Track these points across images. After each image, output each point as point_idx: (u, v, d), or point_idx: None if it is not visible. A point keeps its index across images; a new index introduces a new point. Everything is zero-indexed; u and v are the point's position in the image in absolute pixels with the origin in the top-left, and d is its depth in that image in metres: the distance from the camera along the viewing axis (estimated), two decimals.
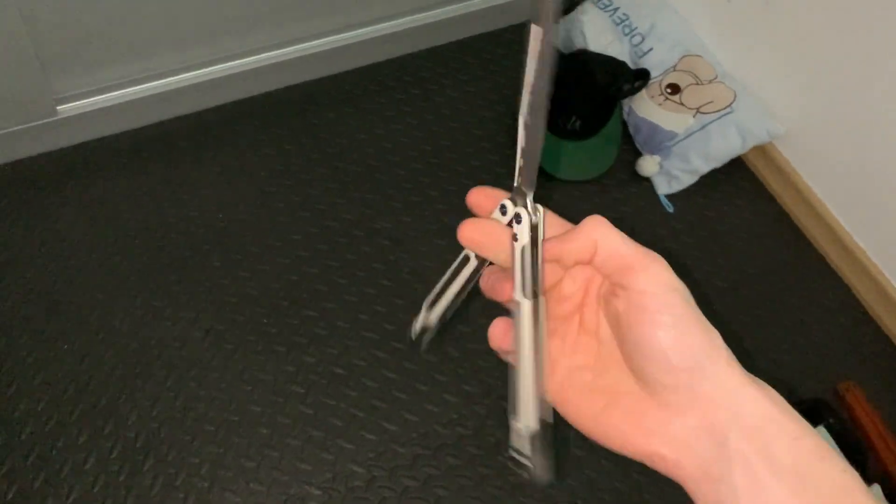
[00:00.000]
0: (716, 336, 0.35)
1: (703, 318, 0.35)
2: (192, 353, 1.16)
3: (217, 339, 1.18)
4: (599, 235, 0.37)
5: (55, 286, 1.18)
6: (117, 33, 1.22)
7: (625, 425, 0.36)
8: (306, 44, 1.42)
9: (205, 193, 1.32)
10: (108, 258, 1.22)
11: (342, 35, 1.44)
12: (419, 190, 1.37)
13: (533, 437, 0.38)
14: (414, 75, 1.53)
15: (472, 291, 0.42)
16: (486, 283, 0.40)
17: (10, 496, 1.01)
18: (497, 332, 0.39)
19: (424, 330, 0.42)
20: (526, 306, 0.37)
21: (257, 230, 1.29)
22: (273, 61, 1.40)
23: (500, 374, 1.20)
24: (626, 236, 0.37)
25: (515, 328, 0.37)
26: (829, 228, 1.36)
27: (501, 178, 1.40)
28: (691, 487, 0.34)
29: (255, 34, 1.36)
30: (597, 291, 0.39)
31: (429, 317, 0.42)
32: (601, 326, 0.38)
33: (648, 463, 0.36)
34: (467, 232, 0.38)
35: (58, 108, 1.24)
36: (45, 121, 1.23)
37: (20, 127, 1.22)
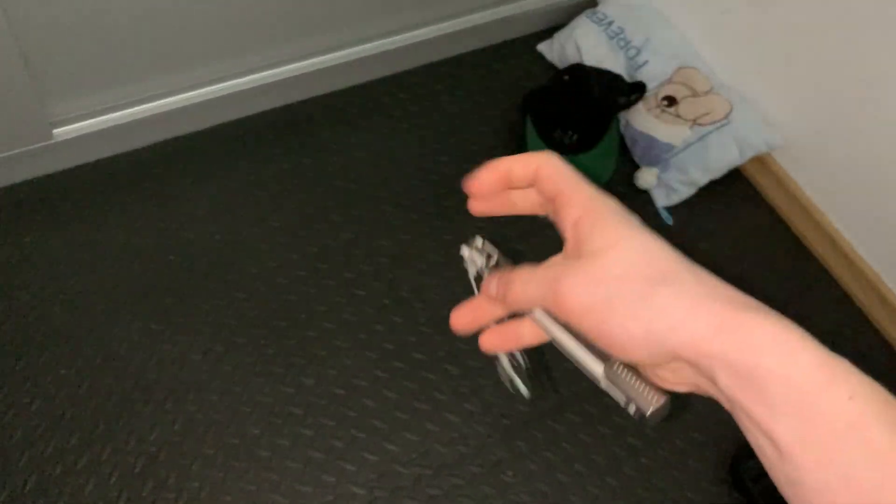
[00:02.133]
0: (661, 254, 0.34)
1: (640, 287, 0.33)
2: (190, 376, 1.15)
3: (215, 361, 1.17)
4: (542, 161, 0.38)
5: (52, 311, 1.17)
6: (112, 57, 1.22)
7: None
8: (302, 62, 1.42)
9: (201, 215, 1.31)
10: (106, 282, 1.22)
11: (337, 53, 1.44)
12: (417, 207, 1.37)
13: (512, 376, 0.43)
14: (410, 92, 1.53)
15: None
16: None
17: None
18: (495, 341, 0.41)
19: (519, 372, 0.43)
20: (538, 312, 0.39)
21: (255, 251, 1.29)
22: (268, 81, 1.39)
23: (500, 391, 1.19)
24: (570, 171, 0.37)
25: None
26: (829, 237, 1.35)
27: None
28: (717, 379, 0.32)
29: (249, 54, 1.36)
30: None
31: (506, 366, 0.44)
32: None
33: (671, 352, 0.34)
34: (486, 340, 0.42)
35: (53, 131, 1.24)
36: (41, 144, 1.23)
37: (15, 151, 1.22)
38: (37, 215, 1.27)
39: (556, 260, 0.38)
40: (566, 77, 1.44)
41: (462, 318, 0.41)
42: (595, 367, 0.36)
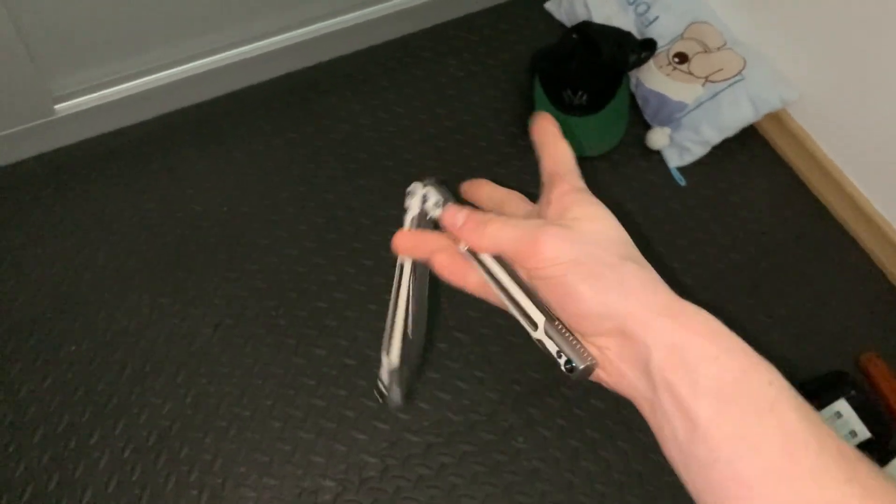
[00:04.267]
0: (629, 241, 0.37)
1: (609, 257, 0.36)
2: (201, 349, 1.15)
3: (226, 333, 1.17)
4: (558, 138, 0.43)
5: (61, 287, 1.18)
6: (111, 28, 1.20)
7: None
8: (304, 29, 1.40)
9: (208, 186, 1.31)
10: (114, 256, 1.21)
11: (340, 18, 1.42)
12: (426, 175, 1.35)
13: (392, 372, 0.44)
14: (416, 56, 1.50)
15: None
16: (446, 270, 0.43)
17: (25, 498, 1.02)
18: (444, 262, 0.43)
19: (392, 376, 0.44)
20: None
21: (263, 222, 1.28)
22: (271, 49, 1.37)
23: (511, 358, 1.18)
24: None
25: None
26: (848, 195, 1.32)
27: (509, 158, 1.38)
28: (640, 410, 0.36)
29: (252, 22, 1.33)
30: None
31: (391, 361, 0.45)
32: None
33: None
34: (400, 241, 0.44)
35: (55, 107, 1.23)
36: (44, 121, 1.22)
37: (18, 128, 1.21)
38: (42, 192, 1.27)
39: (532, 218, 0.41)
40: (575, 36, 1.41)
41: (406, 242, 0.44)
42: (536, 316, 0.38)
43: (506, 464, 1.11)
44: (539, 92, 1.37)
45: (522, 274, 0.39)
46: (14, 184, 1.27)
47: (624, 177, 1.38)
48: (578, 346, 0.37)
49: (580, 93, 1.34)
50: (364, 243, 1.26)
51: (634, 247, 0.37)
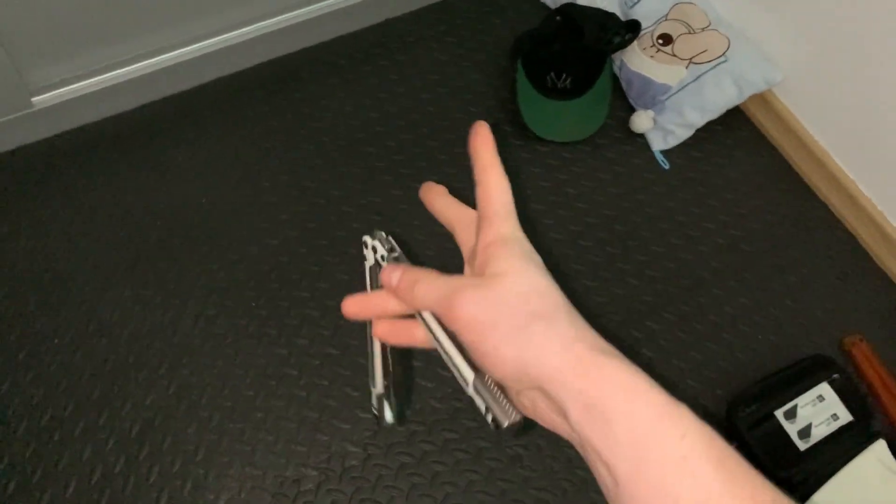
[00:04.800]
0: (548, 292, 0.37)
1: (523, 317, 0.36)
2: (183, 341, 1.15)
3: (208, 325, 1.17)
4: (497, 176, 0.42)
5: (43, 280, 1.18)
6: (88, 19, 1.19)
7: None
8: (284, 15, 1.39)
9: (189, 177, 1.30)
10: (96, 249, 1.21)
11: (321, 4, 1.40)
12: (409, 161, 1.35)
13: (379, 398, 0.45)
14: (398, 41, 1.49)
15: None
16: (387, 334, 0.44)
17: (9, 491, 1.03)
18: (386, 330, 0.44)
19: (380, 401, 0.46)
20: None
21: (244, 212, 1.27)
22: (251, 36, 1.36)
23: None
24: (510, 197, 0.41)
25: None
26: (833, 177, 1.31)
27: (502, 153, 1.36)
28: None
29: (230, 10, 1.32)
30: None
31: (376, 389, 0.46)
32: None
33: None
34: (348, 307, 0.44)
35: (32, 99, 1.22)
36: (21, 113, 1.22)
37: None
38: (23, 185, 1.26)
39: (462, 275, 0.42)
40: (558, 18, 1.39)
41: (353, 306, 0.44)
42: (467, 374, 0.39)
43: (488, 450, 1.11)
44: (522, 75, 1.36)
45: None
46: None
47: (607, 160, 1.37)
48: (505, 402, 0.38)
49: (563, 76, 1.33)
50: (346, 231, 1.26)
51: (554, 297, 0.37)
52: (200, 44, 1.33)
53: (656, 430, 0.32)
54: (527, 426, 0.38)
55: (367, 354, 0.47)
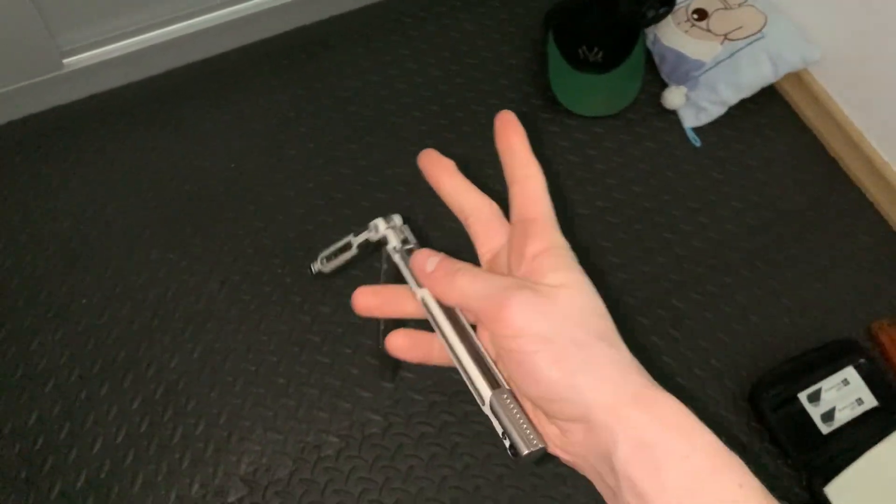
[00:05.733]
0: (603, 311, 0.34)
1: (583, 335, 0.33)
2: (208, 305, 1.16)
3: (233, 290, 1.18)
4: (535, 176, 0.38)
5: (71, 242, 1.19)
6: None
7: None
8: None
9: (216, 143, 1.30)
10: (122, 212, 1.22)
11: None
12: (435, 132, 1.34)
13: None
14: (428, 11, 1.47)
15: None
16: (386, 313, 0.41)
17: (37, 446, 1.05)
18: (402, 345, 0.40)
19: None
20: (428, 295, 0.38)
21: (271, 179, 1.28)
22: (281, 2, 1.35)
23: None
24: (549, 200, 0.37)
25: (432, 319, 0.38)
26: (868, 160, 1.28)
27: (520, 118, 1.35)
28: (597, 487, 0.34)
29: None
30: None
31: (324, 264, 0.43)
32: None
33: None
34: (361, 301, 0.40)
35: (63, 61, 1.23)
36: (52, 75, 1.22)
37: (27, 83, 1.21)
38: (51, 147, 1.27)
39: (506, 275, 0.37)
40: None
41: (366, 299, 0.40)
42: (483, 391, 0.35)
43: None
44: (553, 48, 1.34)
45: (485, 337, 0.36)
46: (23, 139, 1.27)
47: (638, 136, 1.35)
48: (527, 427, 0.34)
49: (595, 49, 1.31)
50: (371, 201, 1.26)
51: (610, 320, 0.34)
52: (229, 9, 1.33)
53: (712, 477, 0.30)
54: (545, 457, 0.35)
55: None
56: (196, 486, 1.04)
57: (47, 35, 1.17)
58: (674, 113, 1.37)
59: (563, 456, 0.35)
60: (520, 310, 0.33)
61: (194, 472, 1.05)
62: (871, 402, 1.09)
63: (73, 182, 1.24)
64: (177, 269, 1.18)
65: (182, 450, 1.06)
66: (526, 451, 0.33)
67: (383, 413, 1.11)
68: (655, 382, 0.33)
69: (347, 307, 1.18)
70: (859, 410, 1.08)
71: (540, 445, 0.34)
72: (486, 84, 1.40)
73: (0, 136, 1.28)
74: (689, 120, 1.35)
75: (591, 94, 1.33)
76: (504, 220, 0.39)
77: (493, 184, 0.41)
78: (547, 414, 0.34)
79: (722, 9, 1.32)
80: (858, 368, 1.10)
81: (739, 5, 1.32)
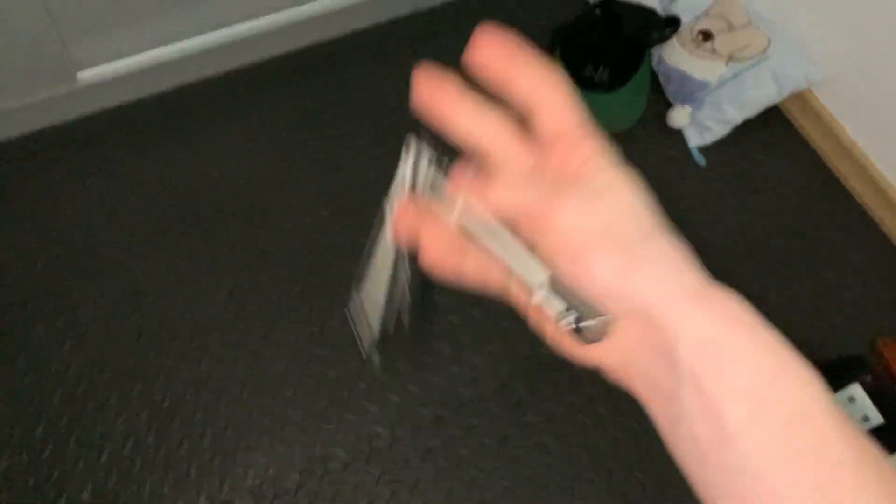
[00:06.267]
0: (655, 209, 0.31)
1: (638, 231, 0.30)
2: (216, 315, 1.17)
3: (241, 300, 1.18)
4: (562, 84, 0.32)
5: (81, 251, 1.20)
6: None
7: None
8: (323, 2, 1.39)
9: (226, 156, 1.32)
10: (132, 222, 1.23)
11: None
12: (446, 145, 1.35)
13: (374, 343, 0.39)
14: (438, 28, 1.49)
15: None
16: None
17: (45, 455, 1.05)
18: (439, 247, 0.34)
19: (374, 346, 0.39)
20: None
21: (279, 190, 1.29)
22: (294, 19, 1.37)
23: (523, 334, 1.18)
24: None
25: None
26: (871, 179, 1.30)
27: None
28: (643, 401, 0.32)
29: None
30: None
31: (373, 331, 0.39)
32: None
33: (594, 367, 0.33)
34: (401, 219, 0.35)
35: (77, 75, 1.24)
36: (66, 89, 1.24)
37: (42, 97, 1.23)
38: (65, 158, 1.28)
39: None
40: (597, 11, 1.39)
41: (408, 220, 0.35)
42: (540, 273, 0.32)
43: (514, 437, 1.11)
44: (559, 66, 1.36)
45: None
46: (37, 150, 1.29)
47: (643, 154, 1.37)
48: (589, 300, 0.31)
49: (601, 68, 1.33)
50: (380, 214, 1.27)
51: (658, 213, 0.32)
52: (242, 25, 1.35)
53: (779, 376, 0.28)
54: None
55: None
56: (202, 498, 1.04)
57: (62, 48, 1.19)
58: (679, 132, 1.38)
59: (612, 361, 0.32)
60: (568, 211, 0.30)
61: (201, 483, 1.05)
62: (876, 418, 1.09)
63: (84, 193, 1.26)
64: (185, 279, 1.19)
65: (189, 461, 1.06)
66: (595, 322, 0.31)
67: (390, 426, 1.11)
68: (713, 279, 0.30)
69: None
70: (865, 427, 1.08)
71: (608, 315, 0.31)
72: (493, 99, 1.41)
73: (15, 147, 1.29)
74: (694, 139, 1.36)
75: (596, 113, 1.34)
76: (526, 136, 0.34)
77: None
78: (591, 292, 0.31)
79: (726, 30, 1.34)
80: (864, 385, 1.10)
81: (744, 26, 1.34)
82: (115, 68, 1.27)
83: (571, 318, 0.31)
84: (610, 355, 0.32)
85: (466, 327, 1.18)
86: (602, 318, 0.31)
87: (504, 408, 1.13)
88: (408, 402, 1.13)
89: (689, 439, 0.30)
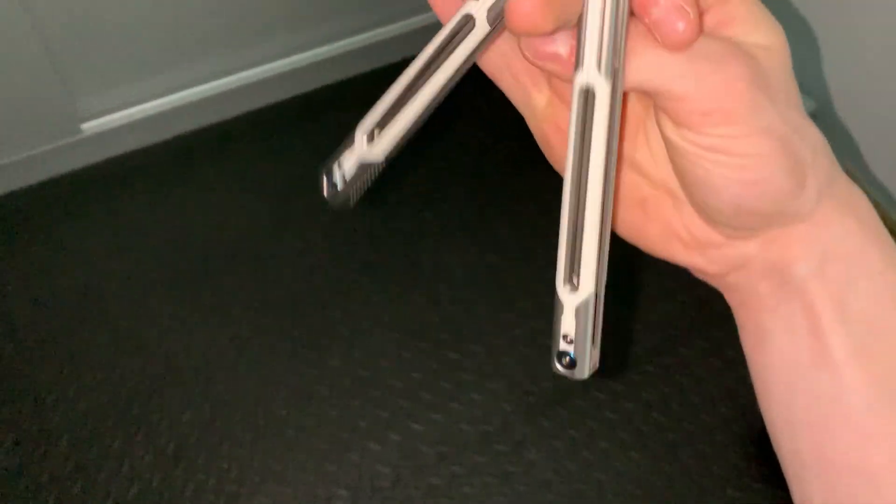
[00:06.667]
0: (806, 152, 0.25)
1: (800, 120, 0.24)
2: (218, 360, 1.18)
3: (242, 344, 1.20)
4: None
5: (85, 300, 1.22)
6: (137, 46, 1.25)
7: (657, 230, 0.28)
8: (325, 47, 1.43)
9: (228, 201, 1.34)
10: (136, 269, 1.26)
11: (360, 37, 1.45)
12: (440, 188, 1.37)
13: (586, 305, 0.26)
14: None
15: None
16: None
17: (50, 503, 1.05)
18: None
19: (361, 169, 0.29)
20: (603, 90, 0.23)
21: (279, 235, 1.31)
22: (291, 67, 1.41)
23: (524, 369, 1.19)
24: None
25: (576, 124, 0.24)
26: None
27: (521, 166, 1.39)
28: (734, 306, 0.28)
29: (273, 41, 1.37)
30: None
31: (371, 147, 0.29)
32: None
33: (688, 267, 0.29)
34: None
35: (81, 126, 1.27)
36: (70, 140, 1.27)
37: (45, 148, 1.26)
38: (69, 208, 1.31)
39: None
40: None
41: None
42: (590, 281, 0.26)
43: (518, 475, 1.11)
44: None
45: (664, 123, 0.25)
46: (41, 201, 1.32)
47: None
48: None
49: None
50: (378, 253, 1.29)
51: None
52: (242, 73, 1.38)
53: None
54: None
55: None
56: None
57: (67, 101, 1.22)
58: None
59: (711, 270, 0.28)
60: (750, 95, 0.23)
61: None
62: None
63: (88, 241, 1.28)
64: (188, 324, 1.21)
65: None
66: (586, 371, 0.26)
67: (392, 465, 1.11)
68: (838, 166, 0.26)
69: (355, 360, 1.19)
70: None
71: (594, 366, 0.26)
72: (492, 140, 1.43)
73: (20, 199, 1.32)
74: None
75: None
76: None
77: None
78: (733, 225, 0.26)
79: None
80: None
81: None
82: (120, 117, 1.31)
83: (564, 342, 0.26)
84: (714, 264, 0.28)
85: (465, 364, 1.19)
86: (585, 370, 0.26)
87: (507, 444, 1.13)
88: (410, 440, 1.13)
89: (780, 356, 0.27)
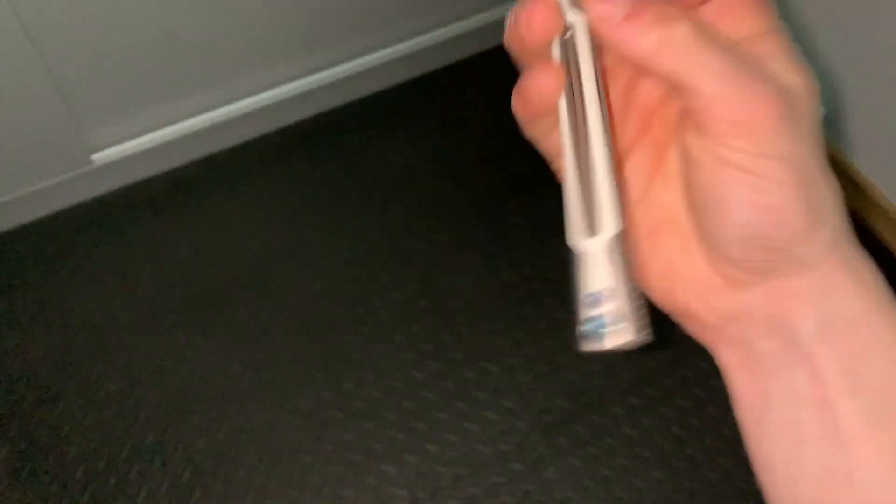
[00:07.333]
0: (823, 200, 0.24)
1: (819, 162, 0.24)
2: (233, 386, 1.18)
3: (256, 369, 1.20)
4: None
5: (98, 329, 1.23)
6: (144, 76, 1.26)
7: (659, 266, 0.27)
8: (330, 71, 1.44)
9: (238, 227, 1.35)
10: (150, 299, 1.26)
11: (363, 59, 1.45)
12: (451, 207, 1.37)
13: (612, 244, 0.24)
14: (439, 91, 1.53)
15: None
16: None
17: None
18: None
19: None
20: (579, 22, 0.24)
21: (291, 259, 1.31)
22: (297, 91, 1.41)
23: (539, 387, 1.18)
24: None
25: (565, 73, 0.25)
26: (879, 207, 1.28)
27: (533, 185, 1.38)
28: (725, 367, 0.27)
29: (277, 67, 1.38)
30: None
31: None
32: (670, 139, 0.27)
33: (681, 320, 0.28)
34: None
35: (91, 157, 1.29)
36: (80, 171, 1.28)
37: (55, 180, 1.28)
38: (80, 239, 1.32)
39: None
40: None
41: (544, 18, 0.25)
42: (610, 219, 0.24)
43: (536, 494, 1.10)
44: None
45: (690, 143, 0.24)
46: (52, 232, 1.33)
47: None
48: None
49: None
50: (390, 276, 1.28)
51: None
52: (246, 101, 1.39)
53: None
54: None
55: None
56: None
57: (76, 133, 1.24)
58: None
59: (709, 320, 0.27)
60: (779, 119, 0.22)
61: None
62: None
63: (100, 271, 1.29)
64: (201, 352, 1.21)
65: None
66: (619, 328, 0.24)
67: (408, 488, 1.10)
68: (847, 228, 0.25)
69: (368, 382, 1.18)
70: None
71: (639, 334, 0.24)
72: (497, 160, 1.43)
73: (31, 231, 1.33)
74: None
75: None
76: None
77: None
78: (726, 250, 0.25)
79: None
80: None
81: None
82: (129, 147, 1.32)
83: (596, 312, 0.24)
84: (711, 313, 0.26)
85: (481, 383, 1.18)
86: (631, 328, 0.24)
87: (524, 463, 1.12)
88: (426, 462, 1.12)
89: (782, 427, 0.25)
